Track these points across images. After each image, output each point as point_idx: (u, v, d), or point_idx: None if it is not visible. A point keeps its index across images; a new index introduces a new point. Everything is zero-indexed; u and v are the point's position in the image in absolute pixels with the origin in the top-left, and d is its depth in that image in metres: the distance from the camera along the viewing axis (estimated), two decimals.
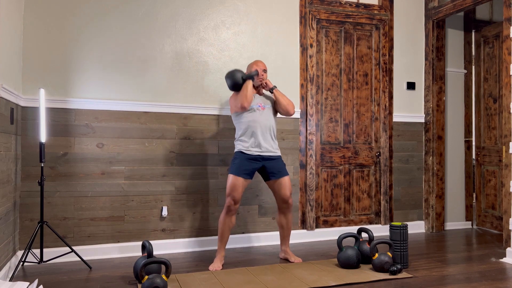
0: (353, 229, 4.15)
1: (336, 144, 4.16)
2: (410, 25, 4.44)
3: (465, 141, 4.65)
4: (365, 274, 2.90)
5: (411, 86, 4.42)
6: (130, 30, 3.49)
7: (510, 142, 3.42)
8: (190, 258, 3.35)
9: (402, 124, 4.39)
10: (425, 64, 4.47)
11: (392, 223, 3.12)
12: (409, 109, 4.42)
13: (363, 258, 3.13)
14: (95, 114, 3.39)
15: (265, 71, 3.23)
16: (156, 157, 3.54)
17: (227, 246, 3.66)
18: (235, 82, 3.12)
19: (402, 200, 4.37)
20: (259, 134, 3.10)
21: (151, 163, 3.52)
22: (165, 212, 3.53)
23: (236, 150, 3.17)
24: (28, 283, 2.45)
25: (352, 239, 3.98)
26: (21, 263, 3.08)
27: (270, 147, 3.14)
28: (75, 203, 3.33)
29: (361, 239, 3.18)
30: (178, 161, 3.60)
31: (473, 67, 4.76)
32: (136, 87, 3.50)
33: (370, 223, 4.25)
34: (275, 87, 3.23)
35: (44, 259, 3.12)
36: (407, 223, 4.36)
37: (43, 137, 3.00)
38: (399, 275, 2.86)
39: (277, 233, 3.80)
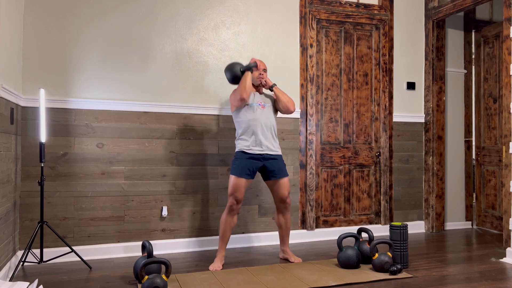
0: (353, 229, 4.15)
1: (336, 144, 4.16)
2: (410, 25, 4.44)
3: (465, 141, 4.65)
4: (365, 274, 2.90)
5: (411, 86, 4.42)
6: (130, 30, 3.49)
7: (510, 142, 3.42)
8: (190, 258, 3.35)
9: (402, 124, 4.39)
10: (425, 64, 4.47)
11: (392, 223, 3.12)
12: (409, 109, 4.42)
13: (363, 258, 3.13)
14: (95, 114, 3.39)
15: (265, 70, 3.23)
16: (156, 157, 3.54)
17: (227, 246, 3.66)
18: (234, 74, 3.11)
19: (402, 200, 4.37)
20: (259, 133, 3.09)
21: (151, 163, 3.52)
22: (165, 212, 3.53)
23: (237, 149, 3.16)
24: (28, 283, 2.45)
25: (352, 239, 3.98)
26: (21, 263, 3.08)
27: (271, 146, 3.14)
28: (75, 203, 3.33)
29: (361, 239, 3.18)
30: (178, 161, 3.60)
31: (473, 67, 4.76)
32: (136, 87, 3.50)
33: (370, 223, 4.25)
34: (274, 84, 3.23)
35: (44, 259, 3.12)
36: (407, 223, 4.36)
37: (43, 137, 3.00)
38: (399, 275, 2.86)
39: (277, 233, 3.80)
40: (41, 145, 3.00)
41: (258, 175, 3.69)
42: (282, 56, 3.93)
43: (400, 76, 4.39)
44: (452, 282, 2.75)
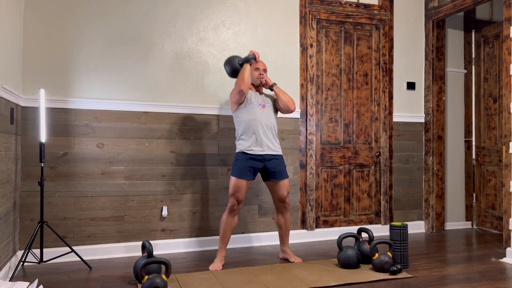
0: (353, 229, 4.15)
1: (336, 144, 4.16)
2: (410, 25, 4.44)
3: (465, 141, 4.65)
4: (365, 274, 2.90)
5: (411, 86, 4.42)
6: (130, 30, 3.49)
7: (510, 142, 3.42)
8: (190, 258, 3.35)
9: (402, 124, 4.39)
10: (425, 64, 4.47)
11: (392, 223, 3.12)
12: (409, 109, 4.42)
13: (363, 258, 3.13)
14: (95, 114, 3.39)
15: (265, 70, 3.22)
16: (156, 157, 3.54)
17: (227, 246, 3.66)
18: (234, 67, 3.11)
19: (402, 200, 4.37)
20: (260, 133, 3.09)
21: (151, 163, 3.52)
22: (165, 212, 3.53)
23: (237, 150, 3.15)
24: (28, 283, 2.45)
25: (352, 239, 3.98)
26: (21, 263, 3.08)
27: (272, 145, 3.14)
28: (75, 203, 3.33)
29: (361, 239, 3.18)
30: (178, 161, 3.60)
31: (473, 67, 4.76)
32: (136, 87, 3.50)
33: (370, 223, 4.25)
34: (275, 84, 3.22)
35: (44, 259, 3.12)
36: (407, 223, 4.36)
37: (43, 137, 3.00)
38: (399, 275, 2.86)
39: (277, 233, 3.80)
40: (41, 145, 3.00)
41: (258, 175, 3.69)
42: (282, 56, 3.93)
43: (400, 76, 4.39)
44: (452, 282, 2.75)
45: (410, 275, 2.87)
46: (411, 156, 4.42)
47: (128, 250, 3.43)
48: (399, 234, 3.05)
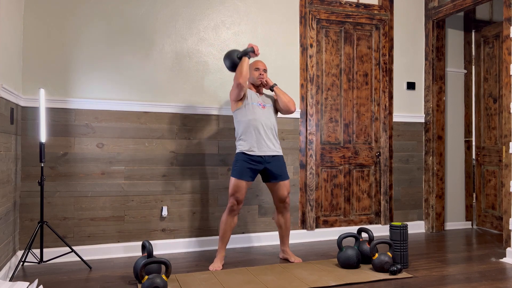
0: (353, 229, 4.15)
1: (336, 144, 4.16)
2: (410, 25, 4.44)
3: (465, 141, 4.65)
4: (365, 274, 2.90)
5: (411, 86, 4.42)
6: (130, 30, 3.49)
7: (510, 142, 3.42)
8: (190, 258, 3.35)
9: (402, 124, 4.39)
10: (425, 64, 4.47)
11: (392, 223, 3.12)
12: (409, 109, 4.42)
13: (363, 258, 3.13)
14: (95, 114, 3.39)
15: (265, 71, 3.22)
16: (156, 157, 3.54)
17: (227, 246, 3.66)
18: (233, 61, 3.10)
19: (402, 200, 4.37)
20: (260, 133, 3.08)
21: (151, 163, 3.52)
22: (165, 212, 3.53)
23: (237, 151, 3.15)
24: (28, 283, 2.45)
25: (352, 239, 3.98)
26: (21, 263, 3.08)
27: (272, 146, 3.13)
28: (75, 203, 3.33)
29: (361, 239, 3.18)
30: (178, 161, 3.60)
31: (473, 67, 4.76)
32: (136, 87, 3.50)
33: (370, 223, 4.25)
34: (275, 84, 3.22)
35: (44, 259, 3.12)
36: (407, 223, 4.36)
37: (43, 137, 3.00)
38: (399, 275, 2.86)
39: (277, 233, 3.80)
40: (41, 145, 3.00)
41: (258, 175, 3.69)
42: (282, 56, 3.93)
43: (400, 76, 4.39)
44: (452, 282, 2.75)
45: (410, 275, 2.87)
46: (411, 156, 4.42)
47: (128, 250, 3.43)
48: (399, 234, 3.05)
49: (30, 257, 3.12)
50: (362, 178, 4.23)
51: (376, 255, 2.95)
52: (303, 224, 3.98)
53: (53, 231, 2.98)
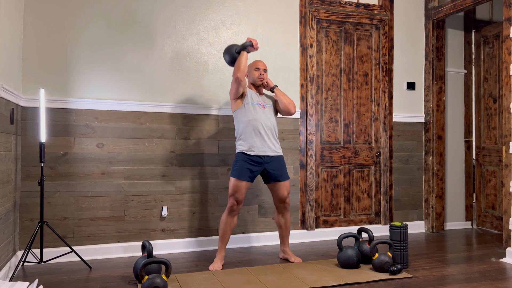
0: (353, 229, 4.15)
1: (336, 144, 4.16)
2: (410, 25, 4.44)
3: (465, 141, 4.65)
4: (365, 274, 2.90)
5: (411, 86, 4.42)
6: (130, 30, 3.49)
7: (510, 142, 3.42)
8: (190, 258, 3.35)
9: (402, 124, 4.39)
10: (425, 64, 4.47)
11: (392, 223, 3.12)
12: (409, 109, 4.42)
13: (363, 258, 3.13)
14: (95, 114, 3.39)
15: (265, 70, 3.22)
16: (156, 157, 3.54)
17: (227, 246, 3.66)
18: (232, 56, 3.10)
19: (402, 200, 4.37)
20: (260, 133, 3.08)
21: (151, 163, 3.52)
22: (165, 212, 3.53)
23: (237, 151, 3.14)
24: (28, 283, 2.45)
25: (352, 239, 3.98)
26: (21, 263, 3.08)
27: (272, 146, 3.13)
28: (75, 203, 3.33)
29: (361, 239, 3.18)
30: (178, 161, 3.60)
31: (473, 67, 4.76)
32: (136, 87, 3.50)
33: (370, 223, 4.25)
34: (276, 86, 3.22)
35: (44, 259, 3.12)
36: (407, 223, 4.36)
37: (43, 137, 3.00)
38: (399, 275, 2.86)
39: (277, 233, 3.80)
40: (41, 145, 3.00)
41: (259, 176, 3.69)
42: (282, 56, 3.93)
43: (400, 76, 4.39)
44: (452, 282, 2.75)
45: (410, 275, 2.87)
46: (411, 156, 4.42)
47: (128, 250, 3.43)
48: (399, 234, 3.05)
49: (30, 257, 3.13)
50: (362, 178, 4.23)
51: (376, 255, 2.95)
52: (303, 224, 3.98)
53: (53, 231, 2.98)
